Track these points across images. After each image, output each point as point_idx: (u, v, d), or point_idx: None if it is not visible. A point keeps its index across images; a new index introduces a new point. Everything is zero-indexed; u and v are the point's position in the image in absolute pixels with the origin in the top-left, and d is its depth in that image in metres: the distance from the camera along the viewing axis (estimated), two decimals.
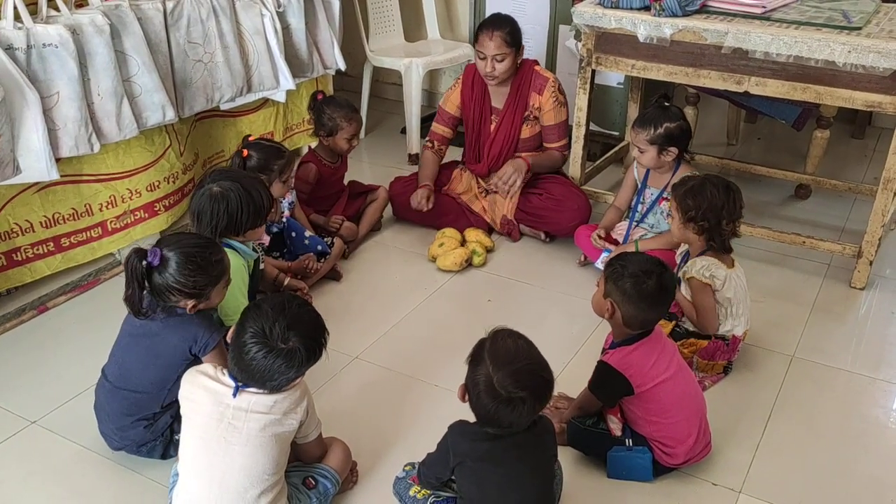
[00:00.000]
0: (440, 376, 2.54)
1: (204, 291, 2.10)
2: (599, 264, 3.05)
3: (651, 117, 2.90)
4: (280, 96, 3.58)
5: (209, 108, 3.33)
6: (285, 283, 2.87)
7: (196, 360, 2.11)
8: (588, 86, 3.30)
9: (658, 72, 3.11)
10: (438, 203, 3.43)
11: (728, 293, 2.43)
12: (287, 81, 3.50)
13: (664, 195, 3.02)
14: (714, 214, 2.40)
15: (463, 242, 3.30)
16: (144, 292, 2.06)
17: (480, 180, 3.50)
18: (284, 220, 3.04)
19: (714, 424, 2.21)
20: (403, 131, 4.31)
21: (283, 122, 3.84)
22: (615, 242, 3.08)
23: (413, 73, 4.02)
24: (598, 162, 3.70)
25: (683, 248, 2.64)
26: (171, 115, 3.03)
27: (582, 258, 3.20)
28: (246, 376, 1.84)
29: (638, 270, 2.01)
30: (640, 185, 3.10)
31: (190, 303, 2.09)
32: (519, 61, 3.28)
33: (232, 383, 1.86)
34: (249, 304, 1.94)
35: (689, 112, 3.83)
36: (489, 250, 3.29)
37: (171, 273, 2.03)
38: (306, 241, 3.04)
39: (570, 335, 2.77)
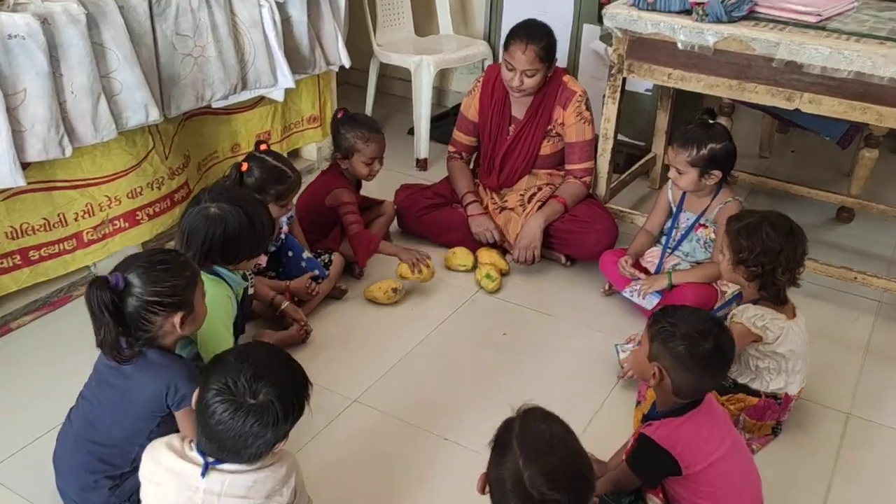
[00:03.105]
0: (450, 428, 2.24)
1: (185, 297, 1.79)
2: (627, 294, 2.74)
3: (693, 136, 2.59)
4: (278, 95, 3.26)
5: (199, 107, 3.01)
6: (282, 306, 2.57)
7: (172, 416, 1.81)
8: (618, 95, 2.98)
9: (697, 83, 2.80)
10: (448, 218, 3.13)
11: (783, 348, 2.13)
12: (286, 79, 3.18)
13: (702, 221, 2.71)
14: (769, 260, 2.09)
15: (476, 264, 3.00)
16: (120, 330, 1.75)
17: (495, 195, 3.19)
18: (283, 236, 2.73)
19: (766, 497, 1.92)
20: (411, 132, 3.99)
21: (281, 120, 3.52)
22: (644, 271, 2.78)
23: (424, 72, 3.70)
24: (623, 176, 3.39)
25: (735, 287, 2.34)
26: (155, 115, 2.71)
27: (606, 286, 2.90)
28: (216, 447, 1.54)
29: (692, 331, 1.71)
30: (674, 209, 2.80)
31: (177, 317, 1.78)
32: (549, 74, 2.96)
33: (201, 460, 1.55)
34: (213, 358, 1.63)
35: (723, 121, 3.51)
36: (504, 274, 2.98)
37: (139, 289, 1.73)
38: (303, 264, 2.73)
39: (596, 378, 2.48)
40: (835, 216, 3.50)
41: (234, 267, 2.18)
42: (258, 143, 2.62)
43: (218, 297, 2.11)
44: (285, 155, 3.58)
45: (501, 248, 3.12)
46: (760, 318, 2.12)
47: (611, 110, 3.02)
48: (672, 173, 2.67)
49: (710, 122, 2.63)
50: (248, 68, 3.08)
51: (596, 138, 3.08)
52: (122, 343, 1.76)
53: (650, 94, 3.59)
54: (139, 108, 2.67)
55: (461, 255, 3.01)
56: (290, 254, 2.73)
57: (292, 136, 3.64)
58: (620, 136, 3.54)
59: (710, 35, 2.67)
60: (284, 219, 2.70)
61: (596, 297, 2.90)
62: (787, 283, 2.13)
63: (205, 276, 2.09)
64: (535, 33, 2.83)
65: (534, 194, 3.12)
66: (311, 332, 2.60)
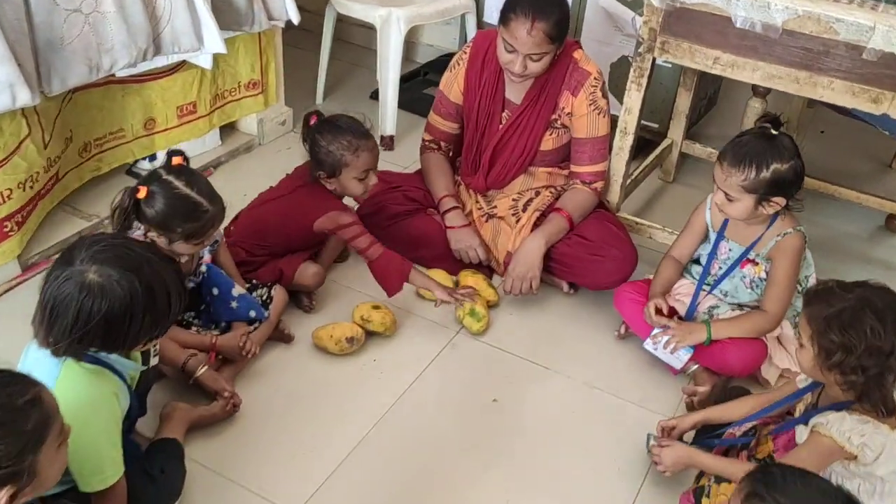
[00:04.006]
0: None
1: (18, 466, 1.16)
2: (650, 348, 2.14)
3: (752, 152, 1.95)
4: (204, 61, 2.53)
5: (95, 80, 2.28)
6: (198, 373, 1.91)
7: None
8: (644, 81, 2.32)
9: (753, 72, 2.14)
10: (421, 229, 2.47)
11: (884, 469, 1.56)
12: (214, 41, 2.45)
13: (751, 255, 2.11)
14: (876, 363, 1.50)
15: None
16: None
17: (480, 198, 2.53)
18: (203, 269, 2.04)
19: None
20: (375, 96, 3.28)
21: (211, 87, 2.79)
22: (672, 312, 2.17)
23: (392, 29, 2.96)
24: (636, 173, 2.74)
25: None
26: (24, 97, 1.99)
27: (622, 329, 2.29)
28: None
29: None
30: (712, 235, 2.18)
31: (2, 494, 1.15)
32: (558, 53, 2.28)
33: None
34: None
35: (756, 105, 2.88)
36: (491, 305, 2.35)
37: None
38: (233, 304, 2.06)
39: (619, 471, 1.90)
40: (883, 224, 2.92)
41: (126, 351, 1.51)
42: (171, 155, 1.90)
43: (97, 399, 1.46)
44: (216, 129, 2.88)
45: (488, 267, 2.49)
46: (859, 433, 1.54)
47: (633, 99, 2.36)
48: (718, 197, 2.04)
49: (774, 132, 1.99)
50: (161, 28, 2.34)
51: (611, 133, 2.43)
52: None
53: (669, 65, 2.92)
54: (2, 89, 1.94)
55: (439, 280, 2.37)
56: (215, 291, 2.06)
57: (226, 106, 2.91)
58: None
59: (779, 11, 2.01)
60: (206, 247, 2.02)
61: (609, 340, 2.29)
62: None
63: (78, 368, 1.45)
64: (543, 7, 2.13)
65: (530, 200, 2.47)
66: (240, 405, 1.95)
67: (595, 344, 2.28)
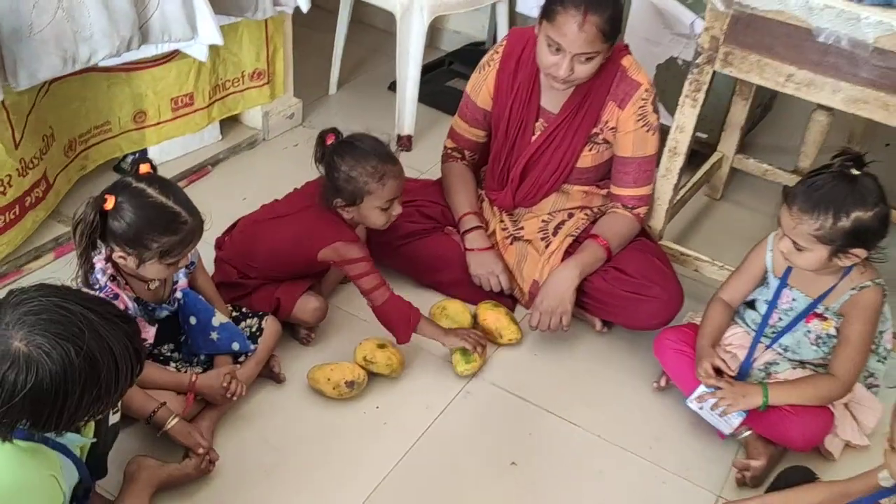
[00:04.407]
0: None
1: None
2: (695, 406, 1.85)
3: (829, 197, 1.64)
4: (198, 53, 2.25)
5: (70, 73, 2.00)
6: (168, 426, 1.65)
7: None
8: (701, 96, 2.01)
9: (834, 94, 1.83)
10: (438, 250, 2.20)
11: None
12: (209, 30, 2.16)
13: (819, 309, 1.81)
14: None
15: (474, 326, 2.09)
16: None
17: (506, 217, 2.24)
18: (179, 295, 1.78)
19: None
20: (395, 87, 2.98)
21: (210, 76, 2.50)
22: (718, 370, 1.87)
23: (414, 18, 2.64)
24: (682, 191, 2.43)
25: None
26: None
27: (663, 381, 2.01)
28: None
29: None
30: (771, 280, 1.88)
31: None
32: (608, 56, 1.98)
33: None
34: None
35: (821, 119, 2.56)
36: (512, 343, 2.08)
37: None
38: (214, 336, 1.79)
39: None
40: None
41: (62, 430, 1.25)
42: (137, 161, 1.63)
43: (29, 484, 1.21)
44: (216, 123, 2.60)
45: (511, 296, 2.21)
46: None
47: (687, 116, 2.05)
48: (784, 245, 1.74)
49: (855, 172, 1.67)
50: (149, 14, 2.05)
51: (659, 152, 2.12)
52: None
53: None
54: None
55: (454, 313, 2.09)
56: (192, 320, 1.79)
57: (228, 97, 2.62)
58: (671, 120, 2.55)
59: (871, 25, 1.70)
60: (181, 269, 1.75)
61: (646, 392, 2.01)
62: None
63: (8, 447, 1.21)
64: (597, 1, 1.83)
65: (562, 223, 2.18)
66: (217, 460, 1.69)
67: (630, 395, 1.99)
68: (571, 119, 2.07)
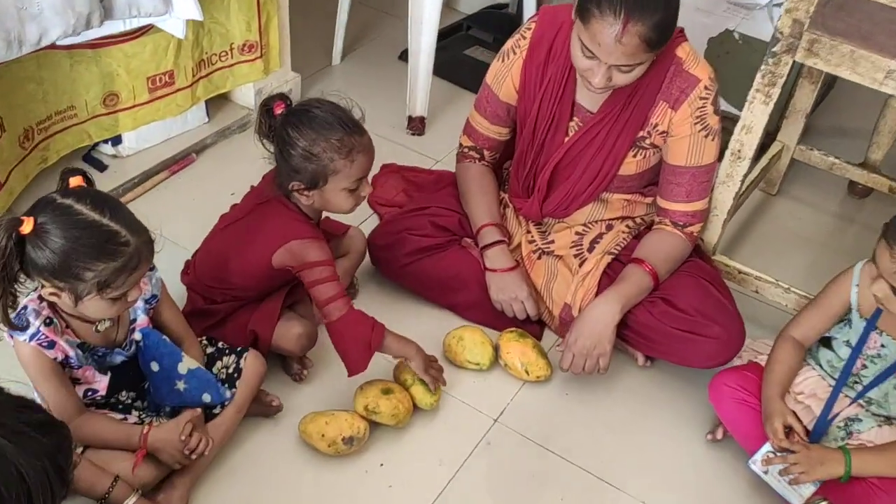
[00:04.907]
0: None
1: None
2: (758, 469, 1.55)
3: None
4: (174, 28, 1.92)
5: (16, 56, 1.67)
6: None
7: None
8: (776, 90, 1.66)
9: None
10: (454, 268, 1.88)
11: None
12: (185, 3, 1.81)
13: None
14: None
15: (496, 360, 1.79)
16: None
17: (532, 228, 1.92)
18: (138, 337, 1.47)
19: None
20: (405, 57, 2.62)
21: (192, 52, 2.17)
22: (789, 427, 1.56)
23: None
24: (741, 192, 2.08)
25: None
26: None
27: (720, 433, 1.70)
28: None
29: None
30: (857, 322, 1.56)
31: None
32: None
33: None
34: None
35: None
36: (540, 380, 1.78)
37: None
38: (180, 386, 1.49)
39: None
40: None
41: None
42: (67, 174, 1.31)
43: None
44: (202, 104, 2.28)
45: (539, 322, 1.90)
46: None
47: (757, 115, 1.70)
48: (879, 288, 1.41)
49: None
50: None
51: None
52: None
53: None
54: None
55: (472, 344, 1.79)
56: (154, 366, 1.48)
57: (214, 74, 2.28)
58: (725, 106, 2.17)
59: None
60: (140, 304, 1.44)
61: (698, 444, 1.71)
62: None
63: None
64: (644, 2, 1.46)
65: (599, 236, 1.86)
66: None
67: (679, 448, 1.69)
68: (614, 119, 1.72)
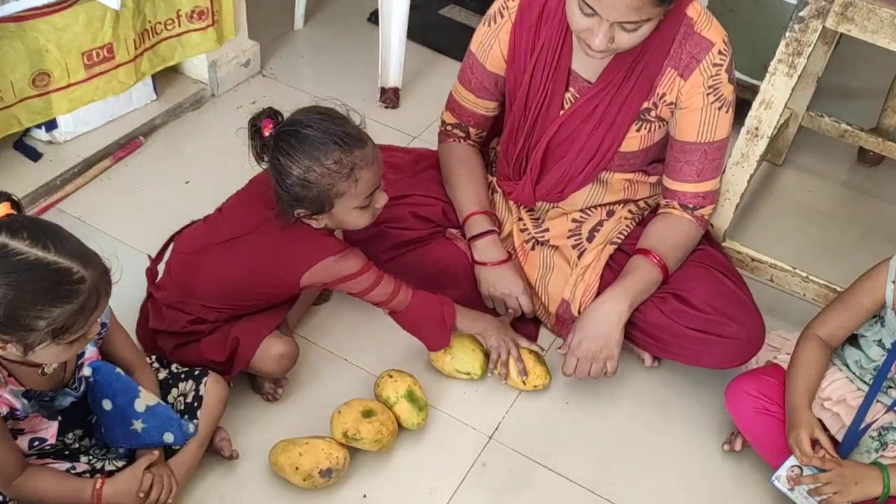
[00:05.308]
0: None
1: None
2: (782, 487, 1.39)
3: None
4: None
5: None
6: None
7: None
8: (802, 60, 1.46)
9: None
10: (440, 263, 1.68)
11: None
12: None
13: None
14: None
15: (486, 368, 1.61)
16: None
17: (524, 215, 1.72)
18: (87, 372, 1.26)
19: None
20: (375, 19, 2.37)
21: (134, 22, 1.92)
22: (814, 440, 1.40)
23: None
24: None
25: None
26: None
27: (738, 444, 1.54)
28: None
29: None
30: (891, 321, 1.40)
31: None
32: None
33: None
34: None
35: None
36: (538, 389, 1.60)
37: None
38: (137, 426, 1.28)
39: None
40: None
41: None
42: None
43: None
44: (148, 80, 2.05)
45: (534, 320, 1.71)
46: None
47: (779, 88, 1.51)
48: None
49: None
50: None
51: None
52: None
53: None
54: None
55: (461, 352, 1.60)
56: (106, 405, 1.28)
57: (160, 45, 2.04)
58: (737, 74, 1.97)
59: None
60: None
61: (713, 454, 1.54)
62: None
63: None
64: None
65: (600, 223, 1.67)
66: None
67: (692, 460, 1.53)
68: (614, 89, 1.51)
